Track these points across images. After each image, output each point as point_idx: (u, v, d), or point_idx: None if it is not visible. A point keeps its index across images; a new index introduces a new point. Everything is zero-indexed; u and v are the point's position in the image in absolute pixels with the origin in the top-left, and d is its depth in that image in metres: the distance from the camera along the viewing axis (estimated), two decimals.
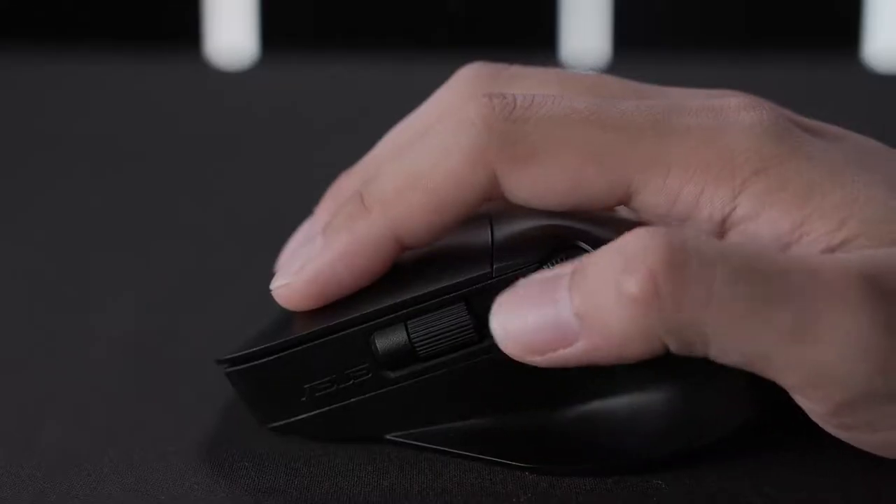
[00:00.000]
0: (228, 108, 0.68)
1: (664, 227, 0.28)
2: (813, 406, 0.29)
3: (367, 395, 0.31)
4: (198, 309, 0.42)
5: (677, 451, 0.31)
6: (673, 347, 0.28)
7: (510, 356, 0.29)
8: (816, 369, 0.28)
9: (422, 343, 0.31)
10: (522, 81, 0.34)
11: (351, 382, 0.31)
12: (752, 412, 0.31)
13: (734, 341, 0.28)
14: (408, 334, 0.31)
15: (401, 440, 0.32)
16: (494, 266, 0.31)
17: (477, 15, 1.08)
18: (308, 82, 0.71)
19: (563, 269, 0.29)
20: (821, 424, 0.29)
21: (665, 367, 0.31)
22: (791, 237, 0.29)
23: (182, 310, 0.42)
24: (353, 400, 0.31)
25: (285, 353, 0.31)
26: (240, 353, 0.32)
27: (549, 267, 0.30)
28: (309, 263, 0.31)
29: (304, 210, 0.36)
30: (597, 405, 0.31)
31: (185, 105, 0.68)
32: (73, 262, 0.46)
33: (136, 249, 0.47)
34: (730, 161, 0.29)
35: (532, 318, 0.29)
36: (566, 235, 0.31)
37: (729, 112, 0.30)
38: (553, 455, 0.31)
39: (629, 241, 0.28)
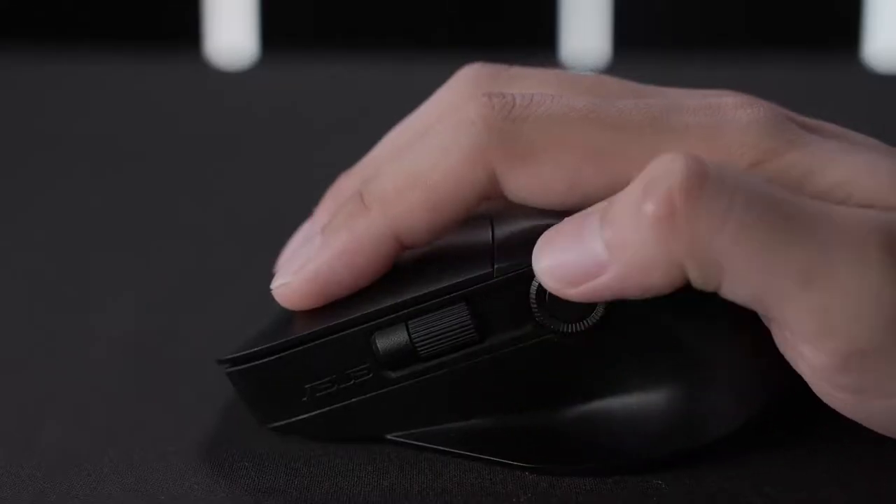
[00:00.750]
0: (228, 108, 0.68)
1: (686, 153, 0.28)
2: (819, 358, 0.28)
3: (367, 395, 0.31)
4: (198, 309, 0.42)
5: (677, 451, 0.31)
6: (692, 276, 0.28)
7: (549, 290, 0.29)
8: (826, 315, 0.28)
9: (423, 343, 0.31)
10: (522, 82, 0.34)
11: (352, 382, 0.31)
12: (753, 412, 0.31)
13: (747, 274, 0.28)
14: (409, 334, 0.31)
15: (401, 440, 0.32)
16: (495, 266, 0.31)
17: (477, 15, 1.08)
18: (308, 82, 0.71)
19: (599, 204, 0.29)
20: (827, 390, 0.29)
21: (665, 367, 0.31)
22: None
23: (182, 310, 0.42)
24: (353, 400, 0.31)
25: (286, 353, 0.31)
26: (240, 354, 0.32)
27: None
28: (308, 263, 0.31)
29: (303, 210, 0.36)
30: (597, 405, 0.31)
31: (185, 105, 0.68)
32: (73, 262, 0.46)
33: (136, 249, 0.47)
34: (727, 157, 0.30)
35: (568, 251, 0.29)
36: None
37: (727, 110, 0.30)
38: (553, 455, 0.31)
39: (651, 167, 0.28)
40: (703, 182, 0.27)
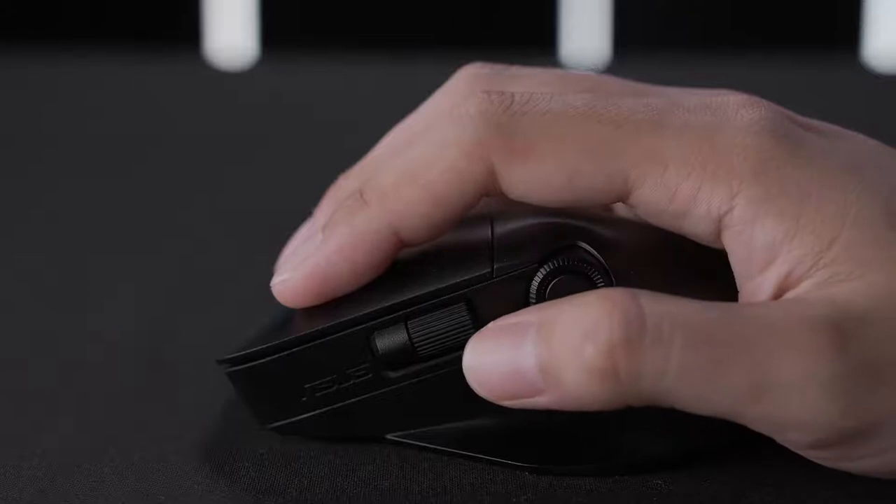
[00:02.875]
0: (228, 108, 0.68)
1: (623, 290, 0.29)
2: (789, 444, 0.29)
3: (367, 395, 0.31)
4: (198, 309, 0.42)
5: (677, 451, 0.31)
6: (639, 405, 0.29)
7: (476, 392, 0.30)
8: (782, 421, 0.28)
9: (422, 343, 0.31)
10: (521, 81, 0.34)
11: (351, 382, 0.31)
12: None
13: (696, 404, 0.28)
14: (408, 334, 0.31)
15: (401, 440, 0.32)
16: (495, 266, 0.31)
17: (477, 15, 1.08)
18: (308, 82, 0.71)
19: (530, 318, 0.29)
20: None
21: None
22: (782, 248, 0.29)
23: (182, 310, 0.42)
24: (353, 400, 0.31)
25: (286, 352, 0.31)
26: (240, 353, 0.32)
27: (549, 267, 0.30)
28: (308, 259, 0.31)
29: (303, 210, 0.36)
30: None
31: (185, 105, 0.68)
32: (73, 262, 0.46)
33: (136, 249, 0.47)
34: (728, 159, 0.29)
35: (499, 368, 0.29)
36: (567, 235, 0.31)
37: (728, 110, 0.30)
38: (553, 455, 0.31)
39: (591, 306, 0.28)
40: (643, 335, 0.28)
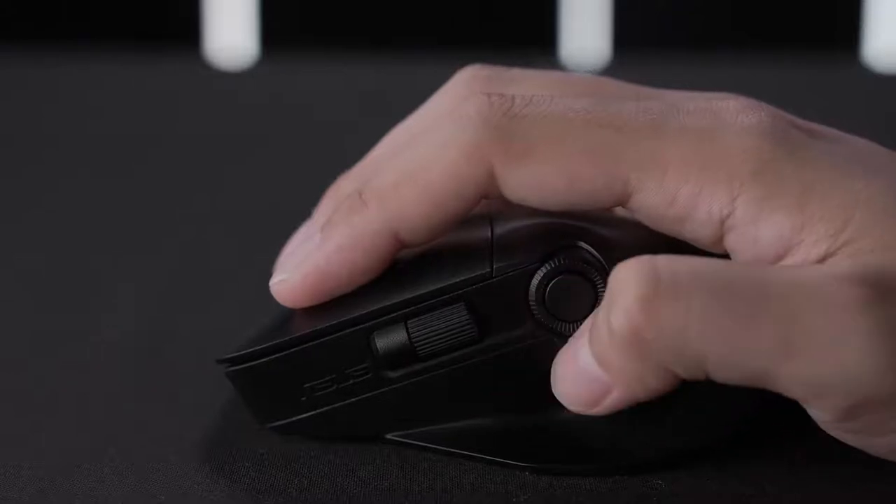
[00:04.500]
0: (228, 108, 0.68)
1: (639, 257, 0.28)
2: (820, 415, 0.29)
3: (367, 395, 0.31)
4: (198, 309, 0.42)
5: (677, 451, 0.31)
6: (681, 373, 0.28)
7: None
8: (817, 380, 0.28)
9: (422, 342, 0.31)
10: (521, 83, 0.34)
11: (351, 382, 0.31)
12: (752, 412, 0.31)
13: (728, 360, 0.28)
14: (408, 334, 0.31)
15: (401, 440, 0.32)
16: (494, 265, 0.31)
17: (477, 15, 1.08)
18: (308, 82, 0.71)
19: (586, 324, 0.30)
20: (827, 430, 0.29)
21: None
22: (792, 241, 0.29)
23: (182, 310, 0.42)
24: (353, 399, 0.31)
25: (285, 352, 0.31)
26: (240, 353, 0.32)
27: (548, 267, 0.30)
28: (307, 259, 0.31)
29: (303, 210, 0.36)
30: None
31: (185, 105, 0.68)
32: (73, 262, 0.46)
33: (136, 249, 0.47)
34: (727, 162, 0.29)
35: (573, 380, 0.30)
36: (566, 235, 0.31)
37: (727, 114, 0.30)
38: (553, 455, 0.31)
39: (610, 279, 0.29)
40: (657, 290, 0.28)
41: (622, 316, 0.28)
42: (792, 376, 0.28)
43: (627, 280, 0.28)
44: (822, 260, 0.29)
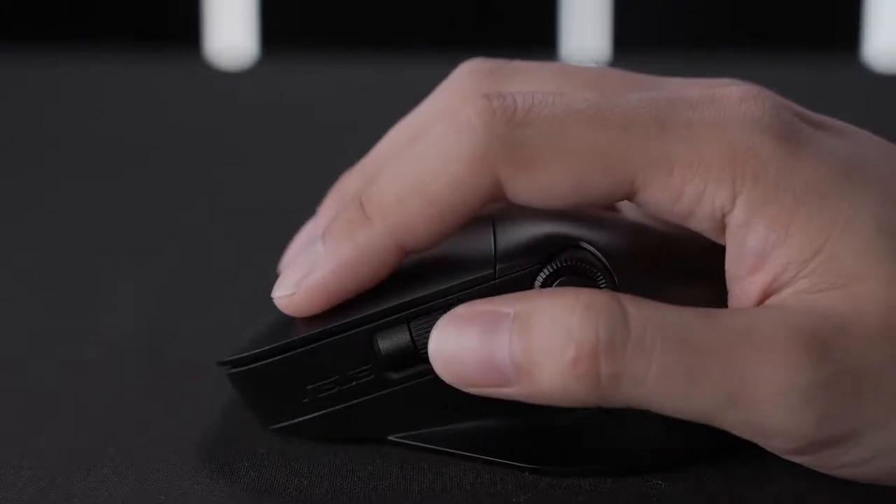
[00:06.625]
0: (228, 108, 0.68)
1: (607, 294, 0.29)
2: (769, 448, 0.29)
3: (369, 397, 0.31)
4: (198, 309, 0.42)
5: (677, 452, 0.31)
6: (612, 407, 0.29)
7: (441, 377, 0.30)
8: (759, 427, 0.29)
9: (425, 344, 0.31)
10: (522, 77, 0.33)
11: (353, 384, 0.31)
12: None
13: (673, 409, 0.29)
14: (411, 335, 0.31)
15: (403, 441, 0.32)
16: (497, 267, 0.31)
17: (477, 15, 1.08)
18: (308, 82, 0.71)
19: (505, 307, 0.29)
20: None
21: None
22: (768, 257, 0.29)
23: (182, 310, 0.42)
24: (355, 401, 0.31)
25: (288, 354, 0.31)
26: (242, 355, 0.32)
27: (551, 268, 0.30)
28: (311, 274, 0.31)
29: (303, 210, 0.36)
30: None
31: (185, 105, 0.68)
32: (74, 262, 0.46)
33: (136, 249, 0.47)
34: (731, 160, 0.29)
35: (469, 355, 0.29)
36: (569, 236, 0.31)
37: (730, 103, 0.30)
38: (553, 455, 0.31)
39: (575, 308, 0.29)
40: (627, 342, 0.28)
41: (586, 356, 0.28)
42: (736, 422, 0.29)
43: (597, 322, 0.28)
44: (787, 283, 0.29)
